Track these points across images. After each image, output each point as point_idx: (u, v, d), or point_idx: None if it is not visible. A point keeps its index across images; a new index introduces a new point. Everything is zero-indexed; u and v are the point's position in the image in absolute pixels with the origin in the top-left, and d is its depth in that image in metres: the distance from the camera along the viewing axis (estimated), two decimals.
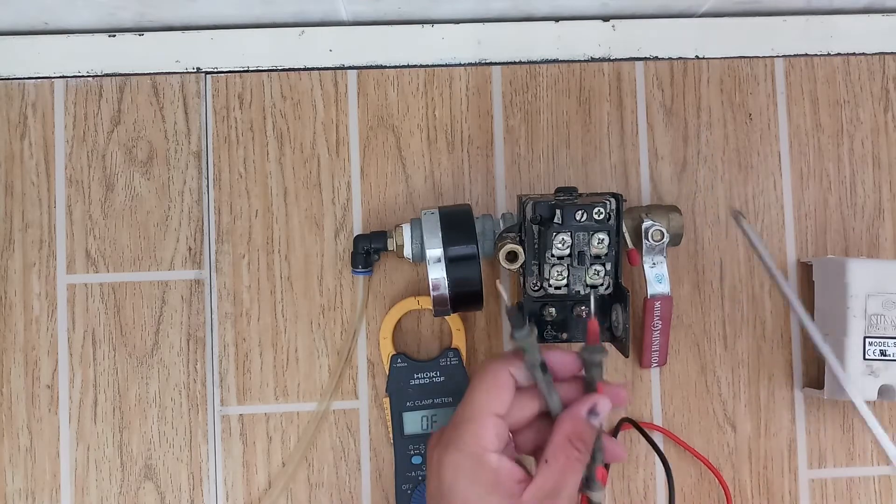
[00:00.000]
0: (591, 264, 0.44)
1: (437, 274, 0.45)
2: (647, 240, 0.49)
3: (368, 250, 0.51)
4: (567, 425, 0.38)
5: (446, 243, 0.45)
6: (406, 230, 0.49)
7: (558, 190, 0.46)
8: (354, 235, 0.52)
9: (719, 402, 0.54)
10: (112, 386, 0.52)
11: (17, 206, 0.53)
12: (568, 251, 0.44)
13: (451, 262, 0.45)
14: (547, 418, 0.39)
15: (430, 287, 0.45)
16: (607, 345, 0.49)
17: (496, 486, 0.37)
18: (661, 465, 0.50)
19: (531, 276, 0.46)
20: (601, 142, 0.55)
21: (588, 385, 0.40)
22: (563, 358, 0.40)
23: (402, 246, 0.49)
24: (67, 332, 0.53)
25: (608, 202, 0.44)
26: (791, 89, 0.56)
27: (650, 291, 0.49)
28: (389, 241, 0.50)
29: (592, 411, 0.38)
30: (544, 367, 0.38)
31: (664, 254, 0.49)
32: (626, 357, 0.45)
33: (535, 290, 0.46)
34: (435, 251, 0.45)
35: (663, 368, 0.53)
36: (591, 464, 0.39)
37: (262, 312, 0.53)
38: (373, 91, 0.55)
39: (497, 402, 0.38)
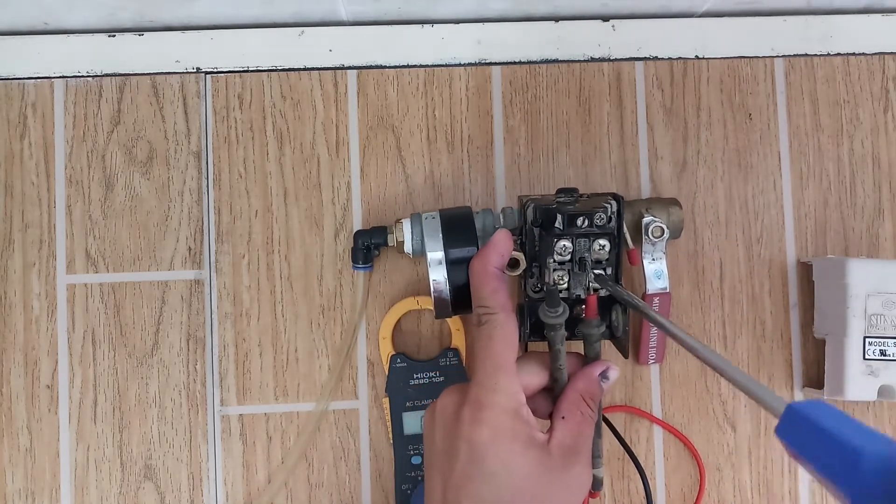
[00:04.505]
0: (592, 268, 0.44)
1: (439, 276, 0.45)
2: (647, 236, 0.49)
3: (369, 246, 0.51)
4: (581, 383, 0.39)
5: (447, 246, 0.46)
6: (406, 225, 0.49)
7: (559, 191, 0.46)
8: (354, 231, 0.52)
9: (719, 401, 0.54)
10: (112, 386, 0.52)
11: (17, 206, 0.53)
12: (569, 257, 0.44)
13: (452, 264, 0.45)
14: (545, 394, 0.40)
15: (432, 290, 0.46)
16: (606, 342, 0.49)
17: (531, 440, 0.36)
18: (632, 461, 0.50)
19: (532, 279, 0.46)
20: (601, 142, 0.55)
21: (588, 361, 0.41)
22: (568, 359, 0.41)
23: (403, 242, 0.49)
24: (67, 332, 0.53)
25: (609, 205, 0.44)
26: (791, 89, 0.56)
27: (648, 288, 0.49)
28: (389, 236, 0.50)
29: (604, 374, 0.40)
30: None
31: (664, 250, 0.49)
32: (626, 358, 0.46)
33: (535, 292, 0.46)
34: (436, 254, 0.46)
35: (663, 368, 0.53)
36: (596, 439, 0.40)
37: (262, 312, 0.53)
38: (373, 91, 0.55)
39: (515, 353, 0.38)
